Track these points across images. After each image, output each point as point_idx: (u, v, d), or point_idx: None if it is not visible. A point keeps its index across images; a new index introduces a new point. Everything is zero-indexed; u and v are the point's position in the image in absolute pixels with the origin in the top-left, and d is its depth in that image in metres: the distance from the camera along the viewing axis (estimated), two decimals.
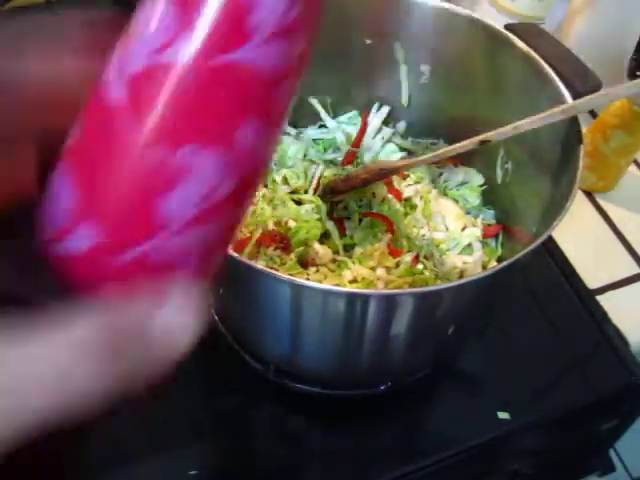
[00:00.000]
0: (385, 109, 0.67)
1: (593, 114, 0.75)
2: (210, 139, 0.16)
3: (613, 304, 0.63)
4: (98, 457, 0.50)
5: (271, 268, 0.54)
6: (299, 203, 0.61)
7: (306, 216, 0.59)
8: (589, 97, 0.46)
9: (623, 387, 0.59)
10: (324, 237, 0.59)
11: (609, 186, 0.72)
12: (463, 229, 0.61)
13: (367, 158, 0.66)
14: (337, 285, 0.54)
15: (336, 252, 0.58)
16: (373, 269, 0.56)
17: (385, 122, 0.67)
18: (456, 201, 0.63)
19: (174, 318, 0.19)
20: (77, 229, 0.17)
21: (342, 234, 0.59)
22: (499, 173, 0.60)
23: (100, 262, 0.17)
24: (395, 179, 0.62)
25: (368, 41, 0.61)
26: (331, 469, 0.54)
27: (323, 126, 0.68)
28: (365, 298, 0.42)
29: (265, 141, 0.18)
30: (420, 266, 0.58)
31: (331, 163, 0.66)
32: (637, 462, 0.79)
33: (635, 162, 0.75)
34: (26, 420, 0.18)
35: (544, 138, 0.51)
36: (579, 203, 0.71)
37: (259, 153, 0.18)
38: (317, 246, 0.57)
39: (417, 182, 0.64)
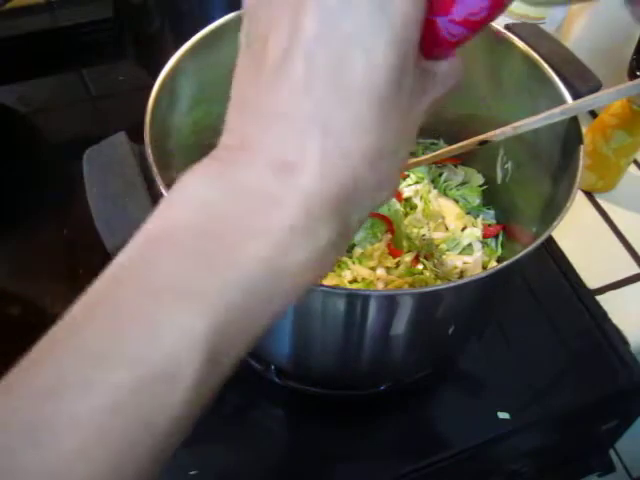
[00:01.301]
0: None
1: (593, 114, 0.75)
2: None
3: (613, 304, 0.63)
4: None
5: None
6: None
7: None
8: (589, 97, 0.46)
9: (623, 387, 0.59)
10: None
11: (609, 186, 0.72)
12: (463, 229, 0.61)
13: None
14: (337, 285, 0.54)
15: None
16: (373, 269, 0.56)
17: None
18: (456, 201, 0.63)
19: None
20: None
21: None
22: (499, 173, 0.60)
23: None
24: None
25: None
26: (331, 469, 0.54)
27: None
28: (365, 298, 0.42)
29: None
30: (420, 266, 0.58)
31: None
32: (637, 462, 0.79)
33: (635, 162, 0.75)
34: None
35: (544, 138, 0.51)
36: (579, 203, 0.71)
37: None
38: None
39: (417, 182, 0.64)
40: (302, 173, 0.22)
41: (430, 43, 0.25)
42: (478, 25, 0.25)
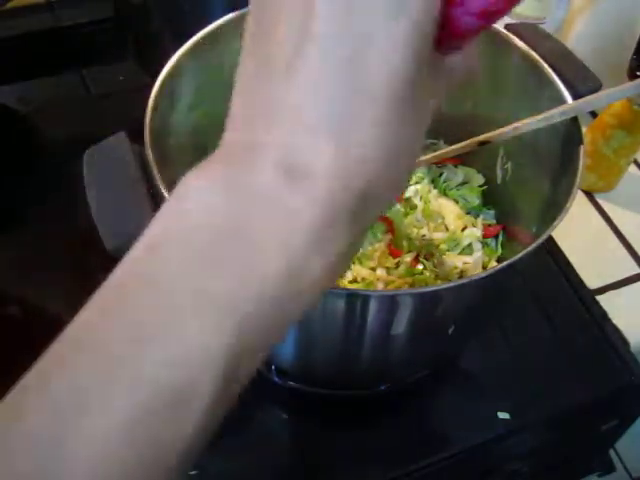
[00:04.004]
0: None
1: (593, 114, 0.75)
2: None
3: (613, 304, 0.63)
4: None
5: None
6: None
7: None
8: (589, 97, 0.46)
9: (623, 387, 0.59)
10: None
11: (609, 186, 0.72)
12: (463, 229, 0.61)
13: None
14: (337, 285, 0.54)
15: None
16: (373, 269, 0.56)
17: None
18: (456, 201, 0.63)
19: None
20: None
21: None
22: (499, 173, 0.60)
23: None
24: None
25: None
26: (331, 469, 0.54)
27: None
28: (365, 298, 0.42)
29: None
30: (420, 266, 0.58)
31: None
32: (637, 462, 0.79)
33: (635, 162, 0.75)
34: None
35: (544, 138, 0.51)
36: (579, 203, 0.71)
37: None
38: None
39: (417, 182, 0.64)
40: (316, 177, 0.21)
41: (444, 36, 0.24)
42: (494, 16, 0.24)
